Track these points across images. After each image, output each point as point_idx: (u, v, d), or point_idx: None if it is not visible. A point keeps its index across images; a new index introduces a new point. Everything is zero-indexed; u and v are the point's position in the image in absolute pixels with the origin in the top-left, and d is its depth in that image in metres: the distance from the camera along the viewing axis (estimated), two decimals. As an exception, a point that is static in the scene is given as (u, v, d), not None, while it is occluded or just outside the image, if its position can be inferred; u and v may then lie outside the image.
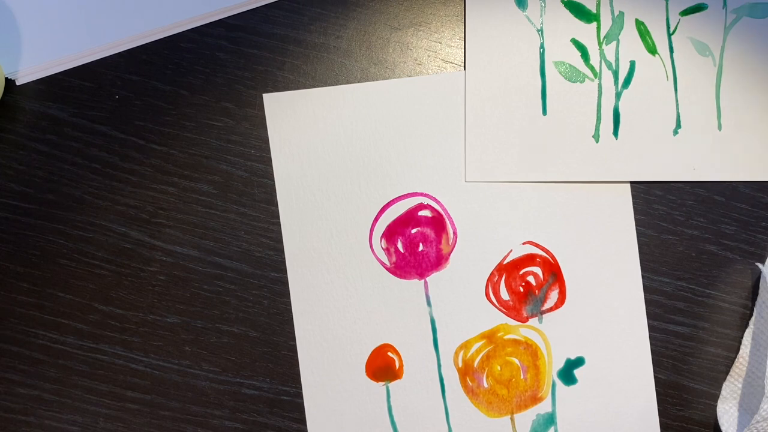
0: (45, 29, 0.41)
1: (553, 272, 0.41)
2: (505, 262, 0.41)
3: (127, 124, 0.41)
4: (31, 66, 0.41)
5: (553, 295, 0.41)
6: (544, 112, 0.41)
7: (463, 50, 0.42)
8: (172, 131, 0.41)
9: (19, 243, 0.41)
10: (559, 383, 0.41)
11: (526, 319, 0.41)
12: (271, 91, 0.41)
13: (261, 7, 0.42)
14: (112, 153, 0.41)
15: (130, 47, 0.41)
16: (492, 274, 0.41)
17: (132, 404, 0.40)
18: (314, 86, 0.41)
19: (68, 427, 0.40)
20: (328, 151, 0.41)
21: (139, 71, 0.41)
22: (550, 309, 0.41)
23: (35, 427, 0.40)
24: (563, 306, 0.41)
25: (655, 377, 0.41)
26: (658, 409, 0.41)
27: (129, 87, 0.41)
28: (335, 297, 0.41)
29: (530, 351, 0.41)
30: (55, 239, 0.41)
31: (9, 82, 0.41)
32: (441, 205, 0.41)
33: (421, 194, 0.41)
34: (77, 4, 0.41)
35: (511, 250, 0.41)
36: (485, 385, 0.41)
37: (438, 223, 0.41)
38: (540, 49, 0.41)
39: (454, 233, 0.41)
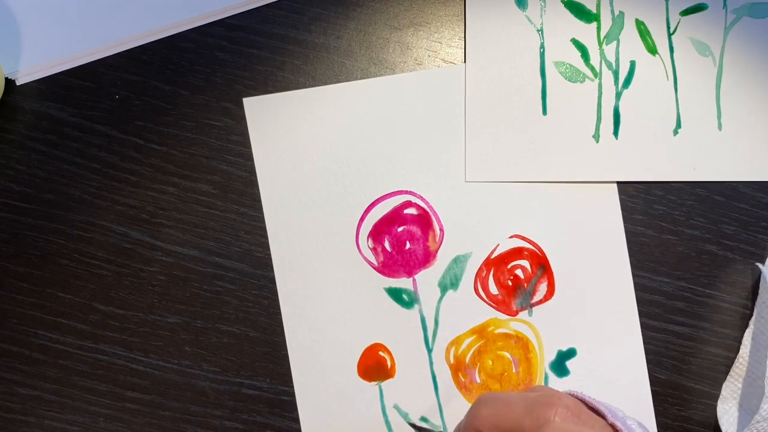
0: (45, 29, 0.41)
1: (542, 264, 0.41)
2: (492, 257, 0.41)
3: (127, 124, 0.41)
4: (31, 66, 0.41)
5: (542, 288, 0.41)
6: (544, 112, 0.41)
7: (463, 50, 0.42)
8: (172, 131, 0.41)
9: (19, 243, 0.41)
10: (551, 375, 0.41)
11: (516, 313, 0.41)
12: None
13: (261, 7, 0.42)
14: (112, 153, 0.41)
15: (130, 47, 0.41)
16: (480, 269, 0.41)
17: (132, 404, 0.40)
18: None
19: (68, 427, 0.40)
20: (310, 153, 0.41)
21: (139, 71, 0.41)
22: (540, 301, 0.41)
23: (35, 427, 0.40)
24: (553, 298, 0.41)
25: (655, 377, 0.41)
26: (659, 409, 0.41)
27: (129, 87, 0.41)
28: (324, 298, 0.41)
29: (521, 344, 0.41)
30: (55, 239, 0.41)
31: (9, 82, 0.41)
32: (426, 203, 0.41)
33: (406, 192, 0.41)
34: (77, 4, 0.41)
35: (498, 245, 0.41)
36: (478, 380, 0.41)
37: (424, 220, 0.41)
38: (540, 49, 0.41)
39: (441, 230, 0.41)
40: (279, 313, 0.41)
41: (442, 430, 0.39)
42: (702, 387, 0.41)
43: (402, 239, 0.41)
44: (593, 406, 0.29)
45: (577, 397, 0.30)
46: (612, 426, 0.28)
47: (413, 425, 0.40)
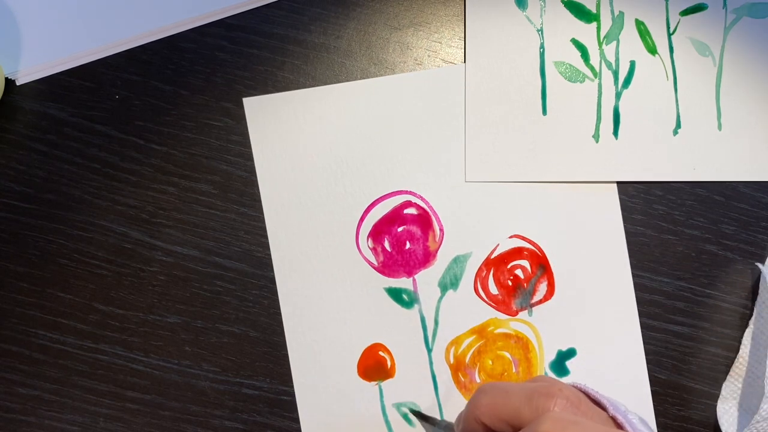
0: (45, 29, 0.41)
1: (541, 264, 0.41)
2: (492, 257, 0.41)
3: (127, 124, 0.41)
4: (31, 66, 0.41)
5: (542, 288, 0.41)
6: (544, 112, 0.41)
7: (463, 50, 0.42)
8: (172, 131, 0.41)
9: (19, 243, 0.41)
10: (551, 375, 0.41)
11: (516, 313, 0.41)
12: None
13: (261, 7, 0.42)
14: (112, 153, 0.41)
15: (130, 47, 0.41)
16: (480, 269, 0.41)
17: (132, 404, 0.40)
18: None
19: (68, 427, 0.40)
20: (310, 153, 0.41)
21: (139, 71, 0.41)
22: (540, 301, 0.41)
23: (35, 427, 0.40)
24: (552, 298, 0.41)
25: (655, 377, 0.41)
26: (659, 409, 0.41)
27: (129, 87, 0.41)
28: (324, 298, 0.41)
29: (521, 344, 0.41)
30: (55, 239, 0.41)
31: (9, 82, 0.41)
32: (426, 203, 0.41)
33: (406, 192, 0.41)
34: (77, 4, 0.41)
35: (498, 245, 0.41)
36: (478, 380, 0.41)
37: (424, 220, 0.41)
38: (540, 49, 0.41)
39: (441, 230, 0.41)
40: (279, 313, 0.41)
41: (440, 418, 0.39)
42: (702, 387, 0.41)
43: (402, 239, 0.41)
44: (595, 399, 0.29)
45: (579, 389, 0.30)
46: (613, 419, 0.28)
47: (414, 412, 0.40)
